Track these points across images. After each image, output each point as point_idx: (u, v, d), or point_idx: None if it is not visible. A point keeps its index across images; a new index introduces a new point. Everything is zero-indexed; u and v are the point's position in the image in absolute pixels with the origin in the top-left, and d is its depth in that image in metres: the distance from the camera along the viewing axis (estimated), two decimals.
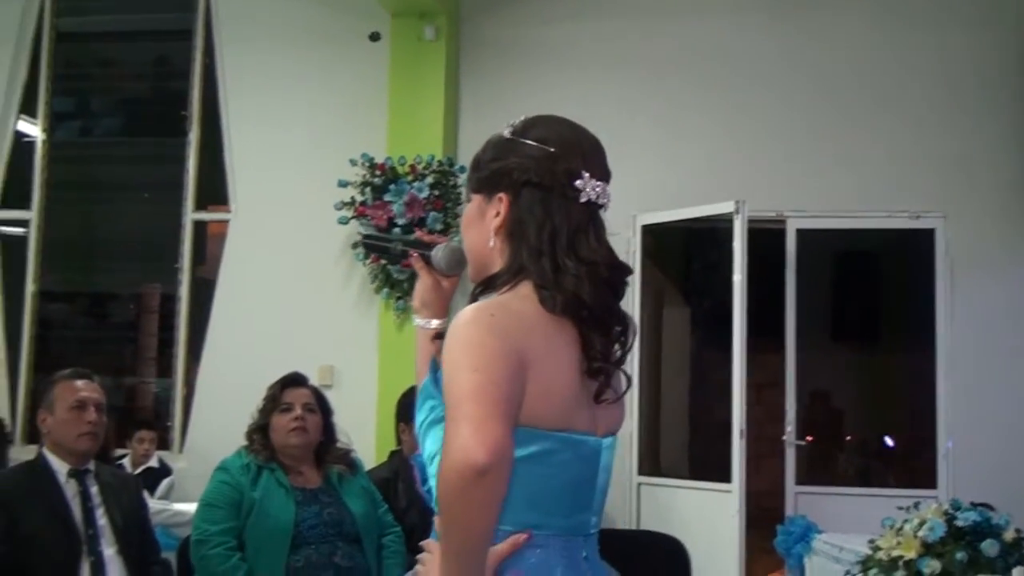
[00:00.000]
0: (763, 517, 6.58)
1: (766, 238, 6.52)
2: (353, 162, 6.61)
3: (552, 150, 1.84)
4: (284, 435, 3.90)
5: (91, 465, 3.63)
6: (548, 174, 1.83)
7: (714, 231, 6.47)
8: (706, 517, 6.00)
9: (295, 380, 4.07)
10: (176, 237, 7.31)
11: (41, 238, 7.54)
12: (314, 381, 6.36)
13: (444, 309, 2.08)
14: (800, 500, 6.43)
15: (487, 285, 1.83)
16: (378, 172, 6.59)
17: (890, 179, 6.56)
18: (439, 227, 6.50)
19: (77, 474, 3.57)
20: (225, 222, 7.17)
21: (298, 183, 6.97)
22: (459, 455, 1.57)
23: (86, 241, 8.01)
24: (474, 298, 1.84)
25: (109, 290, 8.39)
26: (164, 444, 7.02)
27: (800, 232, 6.59)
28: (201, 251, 7.46)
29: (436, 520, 1.77)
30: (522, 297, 1.78)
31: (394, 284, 6.59)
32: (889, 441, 9.48)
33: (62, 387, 3.61)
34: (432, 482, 1.81)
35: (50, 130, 7.65)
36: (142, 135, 8.23)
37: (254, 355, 6.77)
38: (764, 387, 9.02)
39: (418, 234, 2.15)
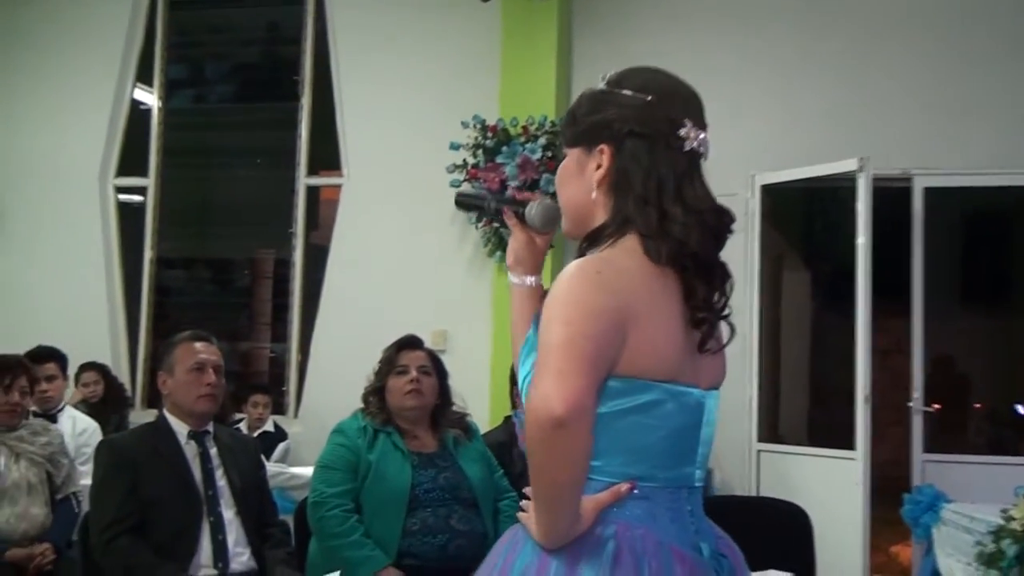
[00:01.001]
0: (887, 487, 6.45)
1: (891, 197, 6.35)
2: (465, 124, 6.60)
3: (651, 99, 1.84)
4: (400, 397, 3.92)
5: (210, 427, 3.69)
6: (650, 123, 1.83)
7: (836, 191, 6.32)
8: (828, 486, 5.88)
9: (411, 342, 4.09)
10: (289, 203, 7.42)
11: (158, 205, 7.73)
12: (428, 345, 6.51)
13: (538, 266, 2.10)
14: (927, 469, 6.28)
15: (593, 238, 1.84)
16: (490, 134, 6.57)
17: None
18: (553, 189, 6.44)
19: (196, 436, 3.63)
20: (337, 187, 7.25)
21: (410, 146, 7.00)
22: (539, 405, 1.62)
23: (201, 208, 8.19)
24: (581, 253, 1.84)
25: (224, 256, 8.57)
26: (279, 409, 7.16)
27: (927, 191, 6.39)
28: (314, 216, 7.55)
29: None
30: (627, 251, 1.78)
31: (507, 247, 6.56)
32: (1021, 409, 9.20)
33: (182, 349, 3.66)
34: None
35: (165, 98, 7.81)
36: (255, 101, 8.35)
37: (367, 320, 6.84)
38: (888, 352, 8.83)
39: (511, 191, 2.13)
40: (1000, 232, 8.81)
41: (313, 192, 7.49)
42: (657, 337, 1.73)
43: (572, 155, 1.91)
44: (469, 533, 3.77)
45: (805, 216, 7.29)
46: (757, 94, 6.47)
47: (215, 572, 3.46)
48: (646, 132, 1.82)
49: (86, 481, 4.42)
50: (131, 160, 7.73)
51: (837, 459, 5.92)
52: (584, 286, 1.69)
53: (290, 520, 4.07)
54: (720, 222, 1.84)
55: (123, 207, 7.78)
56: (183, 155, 7.91)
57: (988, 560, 4.25)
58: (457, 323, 6.83)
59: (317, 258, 7.29)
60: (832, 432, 6.51)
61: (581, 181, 1.88)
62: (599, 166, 1.85)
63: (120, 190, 7.77)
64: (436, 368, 4.06)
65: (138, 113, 7.78)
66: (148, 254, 7.71)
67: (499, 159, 6.51)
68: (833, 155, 6.08)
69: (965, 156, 6.33)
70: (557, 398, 1.60)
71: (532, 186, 6.45)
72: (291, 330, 7.35)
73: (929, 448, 6.38)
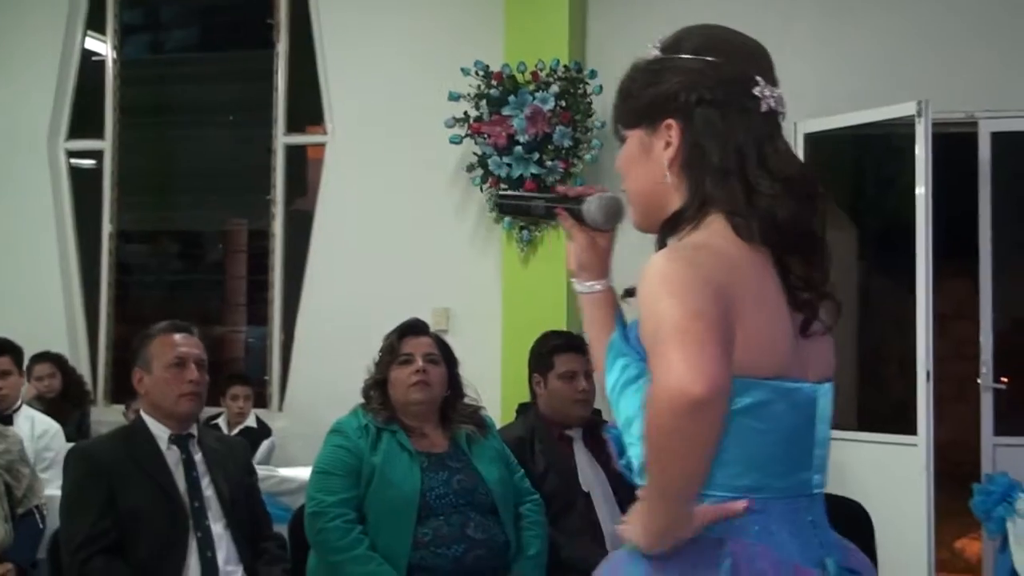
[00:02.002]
0: (949, 473, 6.49)
1: (954, 145, 6.36)
2: (465, 71, 6.60)
3: (715, 60, 1.85)
4: (405, 390, 3.95)
5: (193, 429, 3.73)
6: (720, 87, 1.84)
7: (890, 137, 6.32)
8: (885, 475, 5.92)
9: (415, 328, 4.11)
10: (267, 165, 7.42)
11: (116, 171, 7.73)
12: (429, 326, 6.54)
13: (605, 268, 2.11)
14: (999, 453, 6.31)
15: (671, 225, 1.85)
16: (494, 82, 6.57)
17: None
18: (567, 143, 6.47)
19: (179, 440, 3.67)
20: (321, 146, 7.26)
21: (403, 98, 7.00)
22: (672, 386, 1.60)
23: (165, 173, 8.18)
24: (661, 244, 1.85)
25: (192, 228, 8.58)
26: (261, 401, 7.20)
27: (995, 136, 6.40)
28: (296, 180, 7.57)
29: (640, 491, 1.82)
30: (715, 233, 1.80)
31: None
32: None
33: (159, 343, 3.69)
34: (631, 452, 1.85)
35: (120, 47, 7.80)
36: (223, 49, 8.35)
37: (359, 298, 6.88)
38: (948, 318, 8.83)
39: (560, 189, 2.15)
40: None
41: (294, 152, 7.51)
42: (762, 327, 1.75)
43: (633, 137, 1.92)
44: (488, 542, 3.81)
45: (854, 167, 7.30)
46: (800, 33, 6.46)
47: None
48: (717, 98, 1.83)
49: (50, 491, 4.46)
50: (84, 120, 7.74)
51: (895, 445, 5.95)
52: (680, 264, 1.70)
53: (284, 531, 4.11)
54: (812, 187, 1.85)
55: (76, 174, 7.79)
56: (142, 113, 7.92)
57: None
58: (462, 300, 6.86)
59: (300, 228, 7.32)
60: (887, 414, 6.54)
61: (648, 164, 1.89)
62: (668, 144, 1.86)
63: (72, 154, 7.79)
64: (444, 356, 4.09)
65: (90, 66, 7.77)
66: (106, 227, 7.73)
67: (505, 111, 6.52)
68: (887, 98, 6.08)
69: None
70: (694, 377, 1.59)
71: (544, 140, 6.47)
72: (272, 311, 7.37)
73: (1000, 430, 6.42)
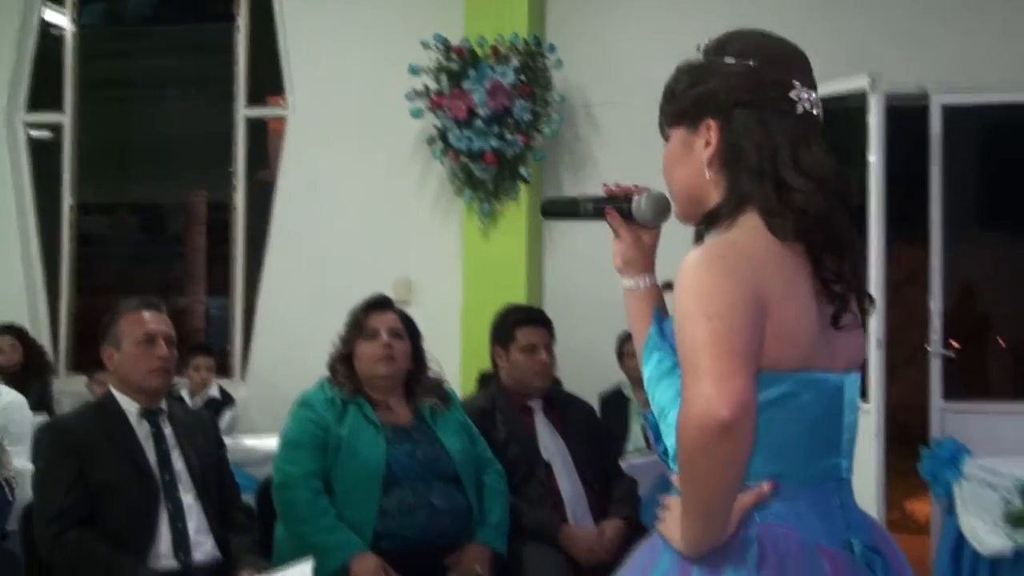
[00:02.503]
0: (899, 435, 6.62)
1: (905, 119, 6.48)
2: (425, 45, 6.66)
3: (755, 64, 1.94)
4: (370, 364, 4.03)
5: (163, 404, 3.79)
6: (757, 89, 1.93)
7: (846, 112, 6.42)
8: None
9: (380, 303, 4.18)
10: (228, 138, 7.45)
11: (75, 144, 7.73)
12: (389, 296, 6.61)
13: (651, 264, 2.17)
14: (947, 418, 6.46)
15: (710, 220, 1.95)
16: (454, 56, 6.63)
17: None
18: (527, 117, 6.54)
19: (149, 414, 3.72)
20: (282, 119, 7.30)
21: (363, 71, 7.07)
22: (701, 410, 1.72)
23: (125, 146, 8.19)
24: (698, 236, 1.97)
25: (152, 200, 8.59)
26: (223, 371, 7.26)
27: (946, 109, 6.53)
28: (258, 152, 7.60)
29: (675, 477, 1.92)
30: (749, 229, 1.89)
31: (477, 184, 6.67)
32: None
33: (128, 320, 3.74)
34: (667, 441, 1.95)
35: (79, 18, 7.77)
36: (183, 21, 8.34)
37: (320, 269, 6.96)
38: (900, 285, 8.99)
39: (605, 188, 2.21)
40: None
41: (255, 125, 7.54)
42: (789, 322, 1.84)
43: (676, 135, 2.01)
44: (452, 511, 3.91)
45: None
46: (753, 5, 6.54)
47: (176, 563, 3.57)
48: (754, 100, 1.92)
49: (19, 463, 4.52)
50: (43, 92, 7.72)
51: None
52: (714, 274, 1.79)
53: (251, 500, 4.19)
54: (844, 186, 1.95)
55: (36, 146, 7.79)
56: (102, 86, 7.92)
57: (1016, 520, 4.38)
58: (422, 271, 6.95)
59: (262, 200, 7.36)
60: None
61: (691, 161, 1.98)
62: (707, 143, 1.95)
63: (31, 127, 7.78)
64: (409, 330, 4.16)
65: (49, 38, 7.75)
66: (66, 200, 7.74)
67: (465, 84, 6.58)
68: (840, 71, 6.18)
69: (988, 71, 6.45)
70: (721, 401, 1.70)
71: (505, 114, 6.54)
72: (234, 281, 7.43)
73: (948, 394, 6.56)
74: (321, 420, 3.93)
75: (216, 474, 3.83)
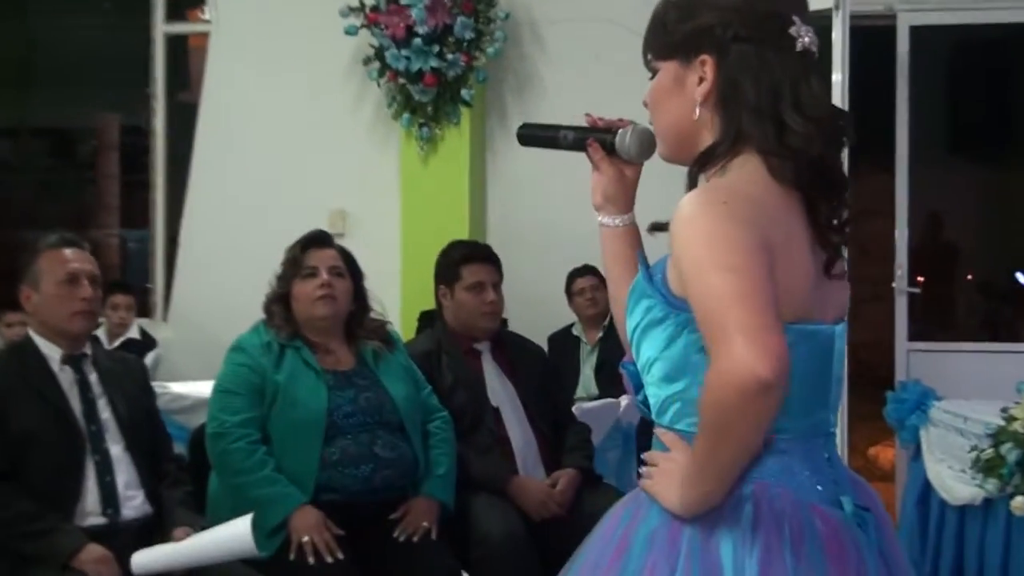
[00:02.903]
0: (862, 376, 6.74)
1: (872, 38, 6.55)
2: None
3: None
4: (309, 305, 4.04)
5: (87, 348, 3.77)
6: (756, 24, 1.94)
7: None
8: None
9: (319, 239, 4.17)
10: (144, 56, 7.36)
11: None
12: (324, 228, 6.59)
13: (631, 201, 2.21)
14: (913, 360, 6.57)
15: (703, 161, 1.97)
16: None
17: None
18: (469, 35, 6.53)
19: (72, 360, 3.71)
20: (204, 35, 7.22)
21: None
22: (739, 369, 1.72)
23: (29, 65, 8.06)
24: (691, 178, 1.98)
25: (59, 124, 8.48)
26: (144, 310, 7.22)
27: (914, 30, 6.60)
28: (178, 72, 7.52)
29: (659, 431, 1.98)
30: (746, 173, 1.92)
31: (416, 107, 6.66)
32: (1022, 278, 9.58)
33: (48, 258, 3.71)
34: (649, 391, 1.99)
35: None
36: None
37: (249, 199, 6.94)
38: (860, 215, 9.10)
39: (590, 119, 2.24)
40: (994, 72, 9.08)
41: (175, 42, 7.46)
42: (790, 272, 1.86)
43: (667, 70, 2.02)
44: (397, 461, 3.96)
45: None
46: None
47: (104, 519, 3.58)
48: (753, 35, 1.93)
49: None
50: None
51: None
52: (722, 221, 1.80)
53: (183, 451, 4.21)
54: (841, 128, 1.98)
55: None
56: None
57: (985, 467, 4.43)
58: (358, 201, 6.94)
59: (183, 124, 7.30)
60: None
61: (681, 98, 1.99)
62: (701, 79, 1.96)
63: None
64: (350, 268, 4.17)
65: None
66: None
67: (403, 0, 6.54)
68: None
69: None
70: (761, 359, 1.70)
71: (445, 32, 6.52)
72: (155, 213, 7.38)
73: (914, 335, 6.68)
74: (257, 366, 3.94)
75: (146, 424, 3.84)
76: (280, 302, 4.09)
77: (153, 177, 7.39)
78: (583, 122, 2.24)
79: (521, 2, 6.85)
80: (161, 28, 7.35)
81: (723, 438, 1.81)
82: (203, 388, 5.43)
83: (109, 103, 8.28)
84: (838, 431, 5.78)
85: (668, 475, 1.92)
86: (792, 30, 1.94)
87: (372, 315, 4.24)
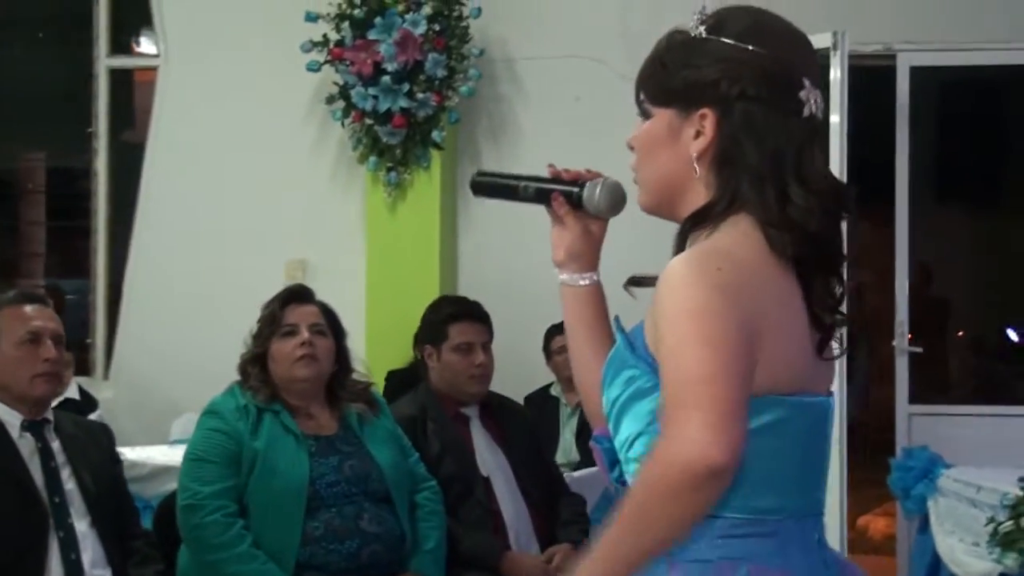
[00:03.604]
0: (852, 435, 6.70)
1: (872, 79, 6.62)
2: None
3: (761, 50, 1.95)
4: (288, 366, 4.02)
5: (49, 414, 3.75)
6: (765, 83, 1.94)
7: None
8: None
9: (299, 294, 4.19)
10: (78, 91, 7.31)
11: None
12: (281, 281, 6.57)
13: (596, 259, 2.21)
14: (914, 423, 6.58)
15: (697, 220, 1.96)
16: (358, 2, 6.59)
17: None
18: (441, 73, 6.54)
19: (33, 426, 3.68)
20: (152, 69, 7.19)
21: (251, 16, 7.00)
22: (690, 450, 1.73)
23: None
24: (682, 236, 1.97)
25: None
26: (82, 368, 7.14)
27: (915, 71, 6.67)
28: (121, 109, 7.48)
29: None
30: (740, 236, 1.91)
31: (383, 150, 6.65)
32: (1014, 335, 9.68)
33: (8, 316, 3.69)
34: (628, 468, 1.96)
35: None
36: None
37: (200, 246, 6.91)
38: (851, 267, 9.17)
39: (553, 170, 2.23)
40: (986, 118, 9.20)
41: (118, 76, 7.43)
42: (784, 344, 1.88)
43: (661, 117, 2.01)
44: (384, 536, 3.95)
45: None
46: None
47: None
48: (761, 95, 1.93)
49: None
50: None
51: None
52: (709, 291, 1.81)
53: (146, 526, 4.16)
54: (840, 203, 1.98)
55: None
56: None
57: (1004, 541, 4.46)
58: (319, 250, 6.92)
59: (127, 165, 7.27)
60: None
61: (673, 150, 1.99)
62: (698, 133, 1.96)
63: None
64: (332, 326, 4.17)
65: None
66: None
67: (371, 34, 6.54)
68: (802, 28, 6.29)
69: (959, 28, 6.62)
70: (716, 445, 1.72)
71: (415, 69, 6.54)
72: (96, 262, 7.31)
73: (915, 397, 6.68)
74: (233, 431, 3.92)
75: (112, 496, 3.82)
76: (256, 362, 4.09)
77: (94, 222, 7.32)
78: (546, 172, 2.22)
79: (496, 38, 6.87)
80: (104, 61, 7.30)
81: (648, 523, 1.80)
82: (158, 454, 5.41)
83: (35, 142, 8.22)
84: (837, 503, 5.89)
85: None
86: (802, 94, 1.95)
87: (355, 376, 4.23)
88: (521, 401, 6.10)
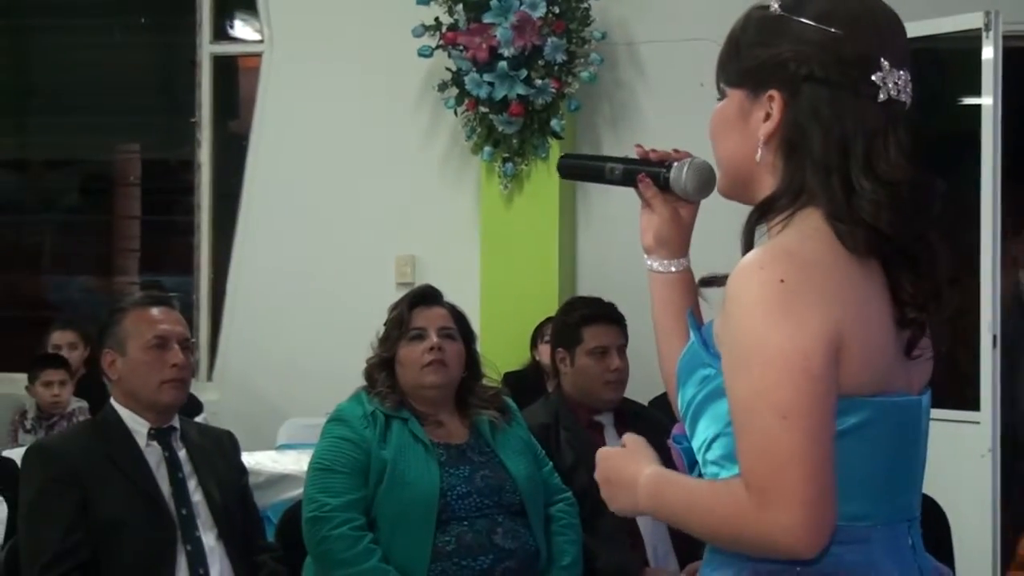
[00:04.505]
0: (1008, 449, 6.64)
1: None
2: None
3: (838, 32, 1.97)
4: (417, 372, 4.05)
5: (175, 421, 3.83)
6: (835, 65, 1.96)
7: (955, 53, 6.48)
8: (941, 458, 6.09)
9: (428, 296, 4.20)
10: (183, 79, 7.43)
11: None
12: (390, 277, 6.65)
13: (686, 244, 2.26)
14: None
15: (763, 211, 2.00)
16: None
17: None
18: (560, 58, 6.58)
19: (160, 435, 3.76)
20: (257, 56, 7.31)
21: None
22: (785, 539, 1.84)
23: (58, 88, 8.13)
24: (750, 229, 2.00)
25: (82, 156, 8.55)
26: None
27: None
28: (224, 99, 7.58)
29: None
30: (814, 233, 1.94)
31: (499, 140, 6.70)
32: None
33: (134, 318, 3.76)
34: (707, 471, 2.04)
35: None
36: None
37: (305, 242, 7.01)
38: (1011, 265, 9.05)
39: (641, 151, 2.27)
40: None
41: (223, 64, 7.53)
42: (867, 343, 1.91)
43: (733, 98, 2.06)
44: (519, 552, 3.96)
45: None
46: None
47: None
48: (830, 77, 1.95)
49: None
50: None
51: (954, 422, 6.12)
52: (784, 311, 1.85)
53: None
54: (922, 197, 1.98)
55: None
56: (18, 11, 7.87)
57: None
58: (430, 246, 7.00)
59: (231, 157, 7.37)
60: (943, 385, 6.75)
61: (744, 132, 2.03)
62: (767, 116, 1.99)
63: None
64: (462, 330, 4.19)
65: None
66: None
67: (487, 18, 6.59)
68: (949, 8, 6.25)
69: None
70: (807, 538, 1.83)
71: (533, 54, 6.58)
72: (199, 259, 7.43)
73: None
74: (360, 440, 3.94)
75: (240, 508, 3.88)
76: (384, 367, 4.11)
77: (198, 217, 7.45)
78: (635, 153, 2.28)
79: (618, 20, 6.89)
80: (207, 48, 7.42)
81: (702, 533, 1.99)
82: (267, 460, 5.49)
83: (132, 133, 8.35)
84: (989, 517, 5.84)
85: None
86: (876, 76, 1.95)
87: (485, 382, 4.27)
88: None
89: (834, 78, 1.94)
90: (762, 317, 1.85)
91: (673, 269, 2.24)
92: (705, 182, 2.18)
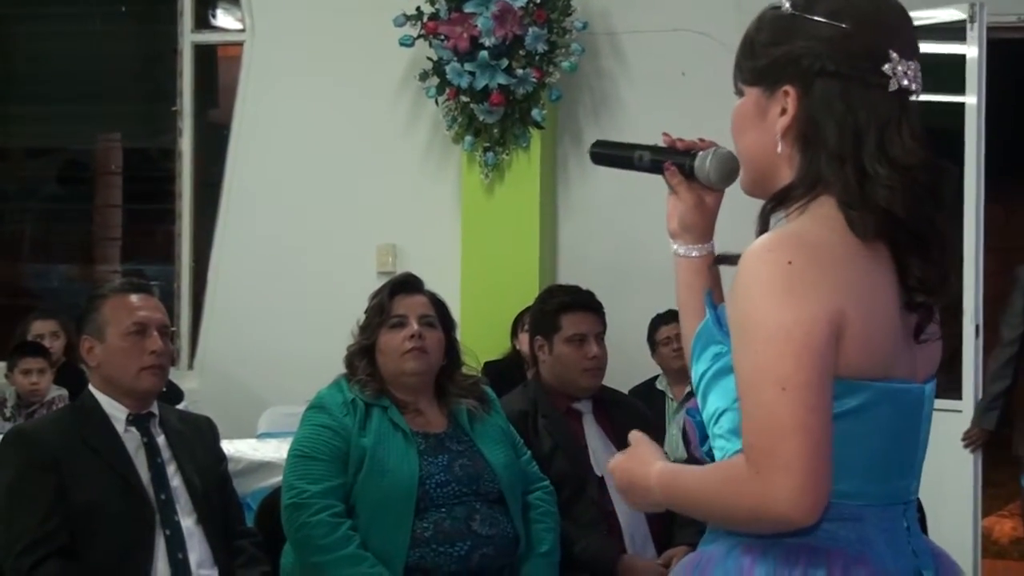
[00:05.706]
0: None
1: (1009, 54, 6.58)
2: None
3: (847, 27, 2.04)
4: (397, 360, 4.06)
5: (154, 408, 3.83)
6: (846, 58, 2.04)
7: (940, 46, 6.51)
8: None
9: (408, 284, 4.21)
10: (164, 68, 7.44)
11: None
12: (372, 266, 6.66)
13: (710, 230, 2.34)
14: None
15: (779, 200, 2.08)
16: None
17: None
18: (542, 47, 6.59)
19: (139, 421, 3.76)
20: (238, 45, 7.31)
21: None
22: (779, 507, 1.90)
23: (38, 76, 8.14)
24: (764, 217, 2.08)
25: (62, 144, 8.55)
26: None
27: None
28: (205, 88, 7.59)
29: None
30: (825, 221, 2.01)
31: (480, 129, 6.72)
32: None
33: (113, 305, 3.76)
34: (716, 444, 2.12)
35: None
36: None
37: (287, 231, 7.04)
38: (996, 252, 9.09)
39: (665, 139, 2.35)
40: None
41: (203, 52, 7.53)
42: (872, 329, 1.97)
43: (751, 95, 2.14)
44: (496, 538, 3.99)
45: None
46: None
47: None
48: (840, 70, 2.03)
49: None
50: None
51: (936, 411, 6.17)
52: (788, 290, 1.92)
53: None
54: (936, 180, 2.05)
55: None
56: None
57: None
58: (411, 235, 7.03)
59: (212, 145, 7.38)
60: None
61: (763, 128, 2.11)
62: (783, 111, 2.07)
63: None
64: (442, 318, 4.21)
65: None
66: None
67: (468, 7, 6.61)
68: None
69: None
70: (801, 506, 1.89)
71: (515, 44, 6.59)
72: (181, 247, 7.45)
73: None
74: (340, 427, 3.96)
75: (219, 493, 3.89)
76: (364, 355, 4.12)
77: (179, 206, 7.46)
78: (662, 143, 2.35)
79: (599, 11, 6.92)
80: (188, 37, 7.42)
81: (712, 515, 2.08)
82: (247, 448, 5.51)
83: (110, 122, 8.35)
84: (970, 502, 5.88)
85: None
86: (887, 67, 2.03)
87: (465, 370, 4.28)
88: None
89: (845, 71, 2.03)
90: (768, 296, 1.92)
91: (695, 254, 2.32)
92: (729, 171, 2.26)
